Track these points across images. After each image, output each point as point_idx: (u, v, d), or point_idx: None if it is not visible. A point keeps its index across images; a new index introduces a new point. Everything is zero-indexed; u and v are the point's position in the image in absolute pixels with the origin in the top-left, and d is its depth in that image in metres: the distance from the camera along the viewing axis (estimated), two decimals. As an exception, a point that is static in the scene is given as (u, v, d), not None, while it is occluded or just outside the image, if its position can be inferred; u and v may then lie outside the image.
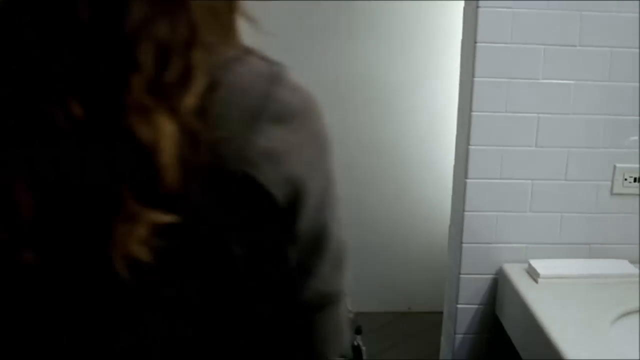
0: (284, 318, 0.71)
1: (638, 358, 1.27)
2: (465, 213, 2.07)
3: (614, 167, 2.09)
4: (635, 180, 2.09)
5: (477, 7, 1.95)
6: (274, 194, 0.65)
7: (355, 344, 1.80)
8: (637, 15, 1.98)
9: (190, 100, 0.61)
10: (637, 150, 2.08)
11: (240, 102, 0.64)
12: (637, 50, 2.01)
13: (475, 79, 1.99)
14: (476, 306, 2.18)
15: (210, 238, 0.65)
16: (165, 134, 0.59)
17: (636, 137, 2.08)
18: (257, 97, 0.64)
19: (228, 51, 0.66)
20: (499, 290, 2.13)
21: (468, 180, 2.05)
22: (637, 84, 2.03)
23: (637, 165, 2.09)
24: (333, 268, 0.72)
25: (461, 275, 2.15)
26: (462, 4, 2.11)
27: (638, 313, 1.83)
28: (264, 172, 0.64)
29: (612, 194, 2.11)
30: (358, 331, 1.81)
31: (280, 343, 0.72)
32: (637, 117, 2.06)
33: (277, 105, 0.65)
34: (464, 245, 2.10)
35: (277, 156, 0.65)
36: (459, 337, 2.20)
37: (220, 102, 0.63)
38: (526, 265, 2.05)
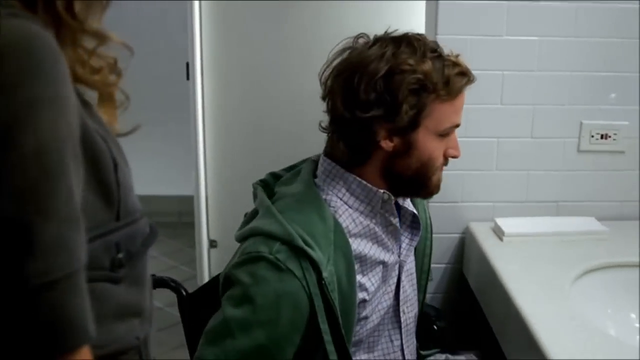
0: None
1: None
2: (432, 172, 2.04)
3: (581, 123, 2.07)
4: (602, 137, 2.08)
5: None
6: None
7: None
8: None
9: None
10: (604, 106, 2.07)
11: None
12: (603, 5, 1.98)
13: (438, 36, 1.97)
14: (444, 265, 2.18)
15: None
16: None
17: (614, 95, 2.06)
18: None
19: None
20: (465, 249, 2.13)
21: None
22: (603, 40, 2.01)
23: (604, 122, 2.07)
24: (49, 249, 0.63)
25: (429, 235, 2.14)
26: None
27: (601, 270, 1.83)
28: None
29: (579, 151, 2.10)
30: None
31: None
32: (604, 74, 2.04)
33: None
34: (430, 204, 2.09)
35: None
36: (427, 296, 2.20)
37: None
38: (492, 224, 2.05)
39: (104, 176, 0.74)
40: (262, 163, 3.02)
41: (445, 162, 1.46)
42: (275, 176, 1.56)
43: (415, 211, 1.52)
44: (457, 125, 1.43)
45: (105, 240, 0.75)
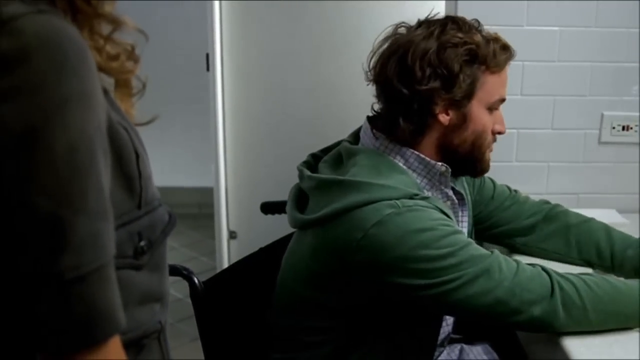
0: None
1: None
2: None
3: (602, 115, 2.06)
4: (623, 128, 2.07)
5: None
6: None
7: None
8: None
9: None
10: (626, 98, 2.05)
11: None
12: (625, -6, 1.97)
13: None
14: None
15: None
16: None
17: (637, 87, 2.04)
18: None
19: None
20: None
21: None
22: (624, 30, 1.99)
23: (625, 113, 2.06)
24: (82, 243, 0.65)
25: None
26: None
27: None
28: None
29: (599, 142, 2.08)
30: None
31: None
32: (625, 64, 2.02)
33: None
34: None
35: None
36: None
37: None
38: (512, 216, 2.04)
39: (127, 167, 0.75)
40: (281, 154, 3.03)
41: (494, 139, 1.50)
42: (315, 157, 1.56)
43: (462, 191, 1.56)
44: (504, 100, 1.48)
45: (128, 228, 0.76)
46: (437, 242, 1.28)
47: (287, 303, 1.49)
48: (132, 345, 0.79)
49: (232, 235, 3.17)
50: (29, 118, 0.62)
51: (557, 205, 1.72)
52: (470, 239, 1.35)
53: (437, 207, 1.35)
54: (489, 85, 1.42)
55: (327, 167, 1.48)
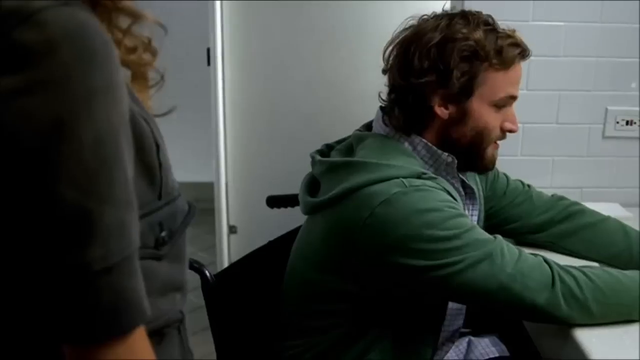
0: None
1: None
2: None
3: (606, 109, 2.07)
4: (627, 123, 2.08)
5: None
6: None
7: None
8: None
9: None
10: (630, 92, 2.06)
11: None
12: (630, -10, 1.98)
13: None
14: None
15: None
16: None
17: (636, 83, 2.05)
18: None
19: None
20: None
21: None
22: (629, 25, 2.00)
23: (629, 108, 2.07)
24: (109, 234, 0.65)
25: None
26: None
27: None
28: None
29: (604, 137, 2.10)
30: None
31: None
32: (630, 59, 2.03)
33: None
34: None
35: None
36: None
37: None
38: (517, 210, 2.04)
39: (148, 158, 0.76)
40: (281, 149, 3.04)
41: (503, 136, 1.50)
42: (329, 147, 1.58)
43: (473, 186, 1.57)
44: (514, 97, 1.47)
45: (150, 219, 0.77)
46: (443, 224, 1.29)
47: (295, 289, 1.51)
48: (154, 335, 0.78)
49: (232, 229, 3.17)
50: (56, 111, 0.62)
51: (573, 204, 1.72)
52: (474, 223, 1.36)
53: (444, 188, 1.37)
54: (492, 82, 1.41)
55: (338, 154, 1.51)
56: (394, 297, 1.41)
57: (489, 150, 1.49)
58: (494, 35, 1.40)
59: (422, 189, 1.32)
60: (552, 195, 1.75)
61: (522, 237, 1.72)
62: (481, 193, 1.65)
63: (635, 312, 1.35)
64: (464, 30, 1.38)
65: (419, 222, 1.29)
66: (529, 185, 1.77)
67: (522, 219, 1.71)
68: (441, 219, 1.30)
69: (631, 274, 1.39)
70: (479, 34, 1.38)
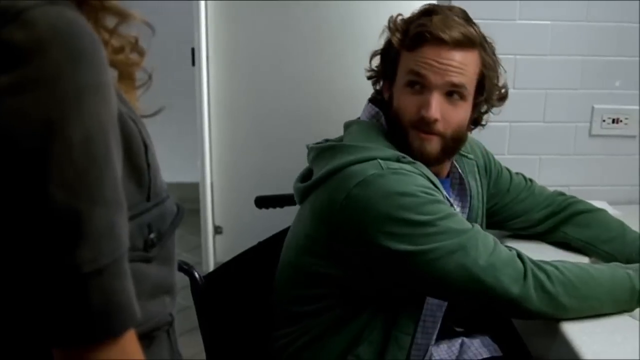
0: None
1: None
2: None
3: (592, 108, 2.08)
4: (613, 121, 2.09)
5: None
6: None
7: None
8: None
9: None
10: (616, 91, 2.07)
11: None
12: (616, -12, 1.98)
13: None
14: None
15: None
16: None
17: (620, 81, 2.06)
18: None
19: None
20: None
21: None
22: (615, 24, 2.01)
23: (615, 106, 2.08)
24: (99, 236, 0.64)
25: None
26: None
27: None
28: None
29: (590, 135, 2.10)
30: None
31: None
32: (616, 58, 2.04)
33: None
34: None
35: None
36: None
37: None
38: (504, 208, 2.05)
39: (137, 159, 0.75)
40: (267, 149, 3.03)
41: (419, 122, 1.42)
42: (327, 141, 1.58)
43: (472, 182, 1.59)
44: (419, 75, 1.41)
45: (138, 221, 0.75)
46: (418, 208, 1.30)
47: (286, 276, 1.51)
48: (144, 338, 0.77)
49: (218, 230, 3.16)
50: (46, 110, 0.61)
51: (572, 197, 1.76)
52: (452, 211, 1.36)
53: (423, 173, 1.38)
54: (403, 62, 1.45)
55: (330, 142, 1.52)
56: (377, 281, 1.41)
57: (412, 138, 1.43)
58: (409, 20, 1.45)
59: (399, 172, 1.33)
60: (554, 192, 1.77)
61: (524, 231, 1.75)
62: (480, 190, 1.64)
63: (607, 305, 1.36)
64: (405, 20, 1.46)
65: (393, 204, 1.30)
66: (531, 180, 1.78)
67: (525, 214, 1.73)
68: (416, 204, 1.30)
69: (603, 267, 1.40)
70: (404, 22, 1.46)
